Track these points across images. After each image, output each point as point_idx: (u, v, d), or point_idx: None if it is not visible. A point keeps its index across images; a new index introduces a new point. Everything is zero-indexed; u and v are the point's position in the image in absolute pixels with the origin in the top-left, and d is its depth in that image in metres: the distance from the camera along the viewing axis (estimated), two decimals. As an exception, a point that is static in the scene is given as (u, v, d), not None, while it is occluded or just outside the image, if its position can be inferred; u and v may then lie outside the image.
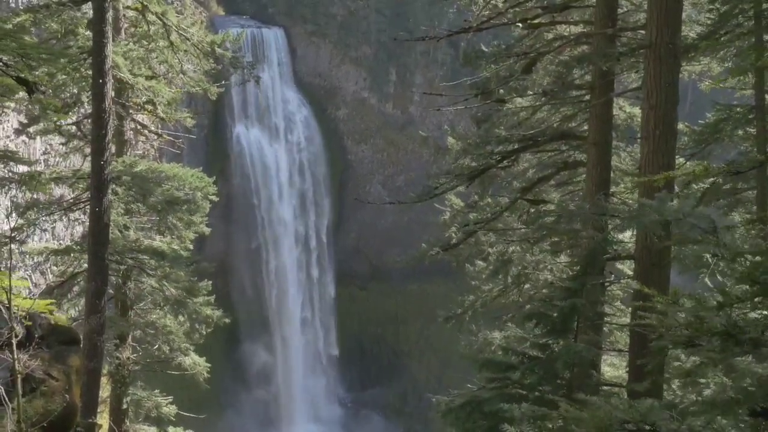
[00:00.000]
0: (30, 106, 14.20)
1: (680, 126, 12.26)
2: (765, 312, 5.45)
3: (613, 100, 13.76)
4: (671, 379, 11.16)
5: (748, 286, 5.27)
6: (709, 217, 5.34)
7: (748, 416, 5.54)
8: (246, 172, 47.08)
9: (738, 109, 13.76)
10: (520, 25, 13.33)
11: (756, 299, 5.37)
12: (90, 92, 14.45)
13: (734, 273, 5.42)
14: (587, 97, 13.99)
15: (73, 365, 10.07)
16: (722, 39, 11.94)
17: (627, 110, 15.53)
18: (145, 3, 15.47)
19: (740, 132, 13.85)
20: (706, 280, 5.90)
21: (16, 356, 7.98)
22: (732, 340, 5.30)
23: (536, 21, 13.27)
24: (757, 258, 5.20)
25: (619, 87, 15.69)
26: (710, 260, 5.51)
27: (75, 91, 15.16)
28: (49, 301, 8.93)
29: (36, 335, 9.41)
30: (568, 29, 14.48)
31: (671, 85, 10.64)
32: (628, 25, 13.65)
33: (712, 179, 13.31)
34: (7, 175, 15.36)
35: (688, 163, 13.64)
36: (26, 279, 18.81)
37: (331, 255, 52.48)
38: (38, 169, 17.88)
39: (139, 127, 17.69)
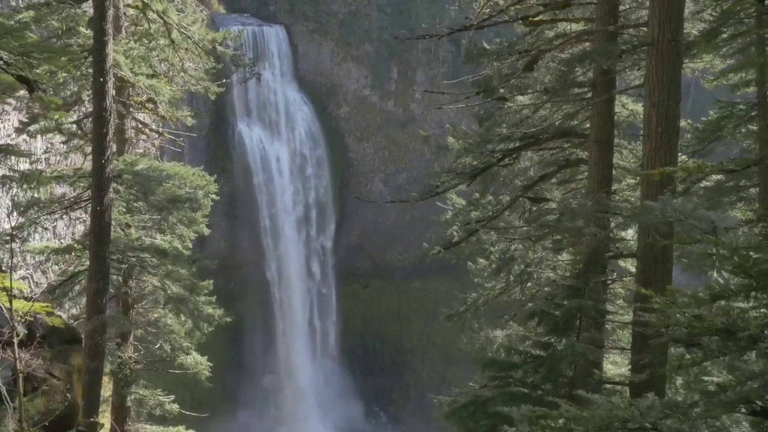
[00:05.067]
0: (31, 105, 14.20)
1: (683, 123, 12.23)
2: (764, 310, 5.44)
3: (615, 97, 13.71)
4: (673, 377, 11.15)
5: (743, 280, 5.26)
6: (709, 217, 5.33)
7: (749, 415, 5.52)
8: (248, 170, 47.08)
9: (740, 106, 13.71)
10: (522, 22, 13.29)
11: (752, 293, 5.35)
12: (91, 91, 14.45)
13: (733, 269, 5.40)
14: (589, 95, 13.95)
15: (75, 364, 10.08)
16: (724, 36, 11.88)
17: (629, 107, 15.48)
18: (145, 1, 15.46)
19: (743, 129, 13.79)
20: (716, 276, 5.88)
21: (17, 355, 7.98)
22: (731, 337, 5.29)
23: (537, 18, 13.23)
24: (752, 253, 5.18)
25: (622, 84, 15.63)
26: (713, 258, 5.50)
27: (76, 89, 15.16)
28: (46, 304, 8.92)
29: (37, 334, 9.42)
30: (569, 26, 14.43)
31: (673, 83, 10.60)
32: (630, 22, 13.60)
33: (715, 177, 13.27)
34: (8, 174, 15.36)
35: (690, 160, 13.60)
36: (27, 278, 18.84)
37: (333, 252, 52.49)
38: (39, 167, 17.88)
39: (140, 125, 17.68)
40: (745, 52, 12.56)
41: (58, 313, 11.66)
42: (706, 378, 6.72)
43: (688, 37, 12.00)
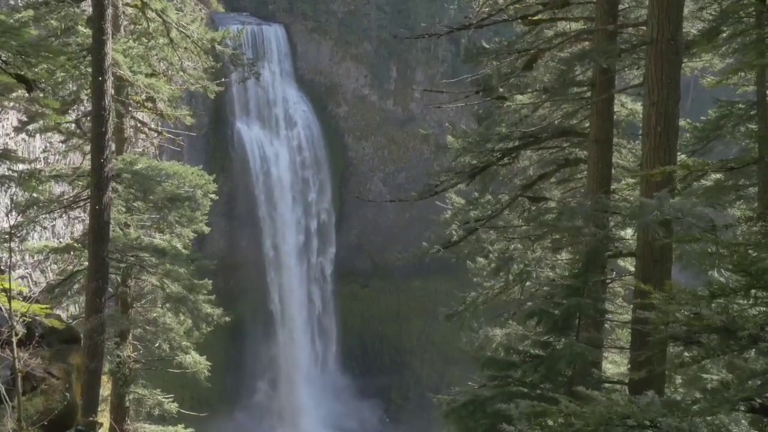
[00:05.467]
0: (29, 104, 14.19)
1: (682, 122, 12.22)
2: (763, 308, 5.43)
3: (615, 96, 13.71)
4: (672, 377, 11.15)
5: (742, 278, 5.25)
6: (707, 215, 5.33)
7: (748, 412, 5.53)
8: (247, 169, 47.06)
9: (740, 105, 13.72)
10: (521, 21, 13.28)
11: (751, 291, 5.34)
12: (89, 90, 14.43)
13: (733, 266, 5.39)
14: (588, 94, 13.94)
15: (74, 363, 10.07)
16: (724, 35, 11.87)
17: (629, 107, 15.48)
18: (144, 0, 15.44)
19: (742, 128, 13.80)
20: (715, 274, 5.87)
21: (16, 354, 7.98)
22: (731, 336, 5.28)
23: (537, 17, 13.22)
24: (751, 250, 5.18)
25: (621, 83, 15.64)
26: (713, 257, 5.49)
27: (74, 88, 15.14)
28: (44, 306, 8.91)
29: (36, 333, 9.40)
30: (568, 26, 14.42)
31: (673, 82, 10.60)
32: (629, 21, 13.60)
33: (714, 176, 13.27)
34: (7, 173, 15.34)
35: (689, 159, 13.59)
36: (26, 277, 18.83)
37: (333, 252, 52.49)
38: (38, 167, 17.86)
39: (139, 124, 17.67)
40: (745, 52, 12.56)
41: (57, 312, 11.65)
42: (705, 376, 6.73)
43: (687, 36, 12.00)
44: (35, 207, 15.28)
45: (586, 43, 13.84)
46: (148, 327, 17.84)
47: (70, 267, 16.75)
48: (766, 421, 5.77)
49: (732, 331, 5.25)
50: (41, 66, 9.43)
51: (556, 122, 15.10)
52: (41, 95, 11.08)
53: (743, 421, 5.71)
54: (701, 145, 14.03)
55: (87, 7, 14.71)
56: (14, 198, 15.65)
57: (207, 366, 18.45)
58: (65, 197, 16.64)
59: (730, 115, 13.59)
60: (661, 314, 5.42)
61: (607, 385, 11.32)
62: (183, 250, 16.35)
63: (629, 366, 11.76)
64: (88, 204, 15.00)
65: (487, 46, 13.01)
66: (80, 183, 16.02)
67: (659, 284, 9.51)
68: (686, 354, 5.89)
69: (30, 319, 8.98)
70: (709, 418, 5.31)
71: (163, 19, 15.50)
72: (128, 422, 18.00)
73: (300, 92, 50.66)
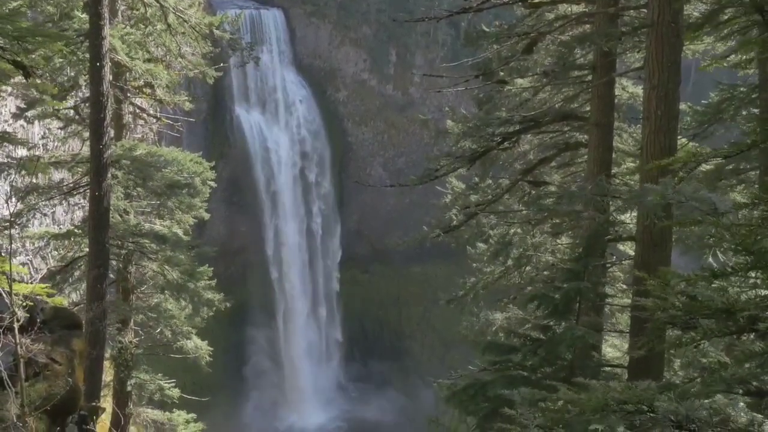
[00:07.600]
0: (27, 90, 14.12)
1: (682, 106, 12.16)
2: (764, 290, 5.43)
3: (616, 80, 13.63)
4: (671, 362, 11.21)
5: (742, 258, 5.24)
6: (709, 199, 5.31)
7: (746, 395, 5.56)
8: (247, 155, 46.94)
9: (741, 88, 13.63)
10: (521, 4, 13.17)
11: (751, 272, 5.33)
12: (87, 76, 14.36)
13: (734, 246, 5.38)
14: (589, 78, 13.87)
15: (76, 349, 10.13)
16: (725, 18, 11.76)
17: (630, 90, 15.40)
18: (141, -16, 15.31)
19: (743, 112, 13.72)
20: (710, 260, 5.87)
21: (18, 340, 8.02)
22: (731, 317, 5.29)
23: (537, 0, 13.11)
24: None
25: (622, 67, 15.53)
26: (712, 241, 5.49)
27: (72, 74, 15.06)
28: (46, 285, 8.94)
29: (38, 320, 9.45)
30: (569, 8, 14.30)
31: (673, 65, 10.53)
32: (630, 3, 13.48)
33: (715, 160, 13.21)
34: (5, 160, 15.31)
35: (690, 143, 13.54)
36: (26, 264, 18.85)
37: (333, 237, 52.55)
38: (37, 153, 17.83)
39: (137, 110, 17.60)
40: (747, 33, 12.45)
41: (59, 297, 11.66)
42: (704, 360, 6.75)
43: (688, 18, 11.90)
44: (35, 193, 15.28)
45: (587, 26, 13.73)
46: (149, 313, 17.91)
47: (71, 253, 16.78)
48: (764, 403, 5.80)
49: (732, 312, 5.26)
50: (38, 52, 9.37)
51: (556, 106, 15.03)
52: (39, 81, 11.03)
53: (741, 404, 5.74)
54: (702, 129, 13.96)
55: (83, -8, 14.58)
56: (14, 185, 15.62)
57: (208, 351, 18.56)
58: (65, 184, 16.62)
59: (731, 98, 13.52)
60: (658, 300, 5.43)
61: (606, 368, 11.38)
62: (183, 237, 16.37)
63: (629, 350, 11.81)
64: (88, 190, 15.00)
65: (488, 30, 12.91)
66: (79, 169, 16.00)
67: (659, 269, 9.52)
68: (684, 337, 5.90)
69: (32, 303, 9.02)
70: (707, 401, 5.34)
71: (161, 3, 15.38)
72: (131, 407, 18.13)
73: (299, 77, 50.38)
